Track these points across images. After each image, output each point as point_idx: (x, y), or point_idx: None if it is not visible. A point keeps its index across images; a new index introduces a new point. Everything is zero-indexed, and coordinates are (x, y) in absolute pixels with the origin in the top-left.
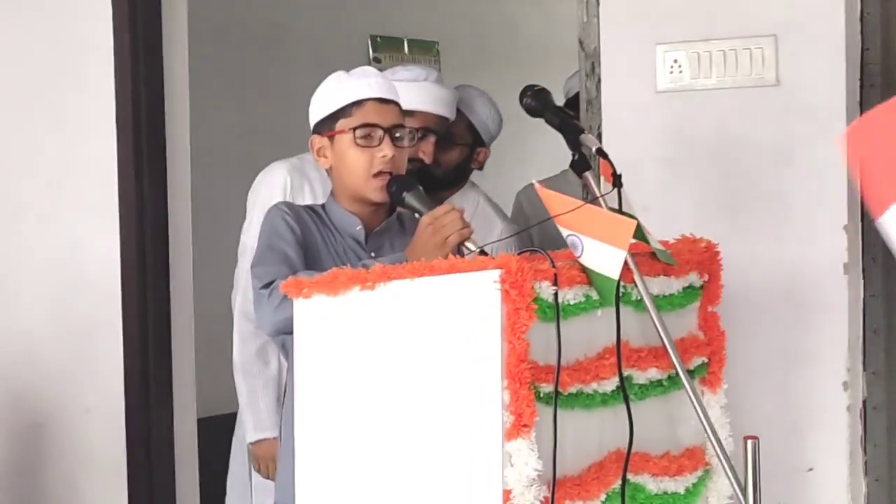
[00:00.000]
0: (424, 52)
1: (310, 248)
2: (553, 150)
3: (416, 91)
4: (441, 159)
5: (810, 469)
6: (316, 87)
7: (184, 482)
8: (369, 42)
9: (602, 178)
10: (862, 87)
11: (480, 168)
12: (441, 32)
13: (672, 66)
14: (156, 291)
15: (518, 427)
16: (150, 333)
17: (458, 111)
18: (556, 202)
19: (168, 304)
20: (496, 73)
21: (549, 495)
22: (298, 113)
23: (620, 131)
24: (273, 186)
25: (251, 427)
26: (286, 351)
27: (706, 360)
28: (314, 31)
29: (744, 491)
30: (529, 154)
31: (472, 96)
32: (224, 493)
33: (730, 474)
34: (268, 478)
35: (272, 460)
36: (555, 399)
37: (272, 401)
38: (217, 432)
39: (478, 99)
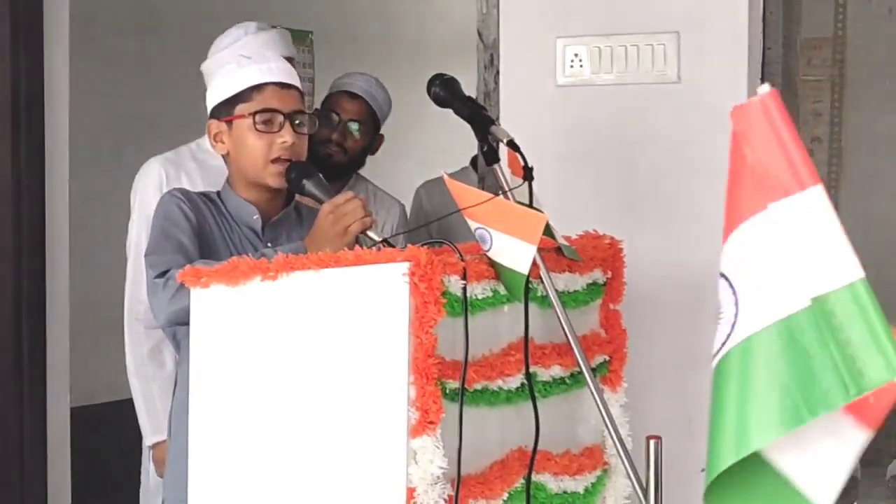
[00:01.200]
0: (298, 41)
1: (205, 236)
2: (432, 144)
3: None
4: (348, 146)
5: (703, 470)
6: (191, 75)
7: (55, 472)
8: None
9: (510, 171)
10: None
11: (374, 153)
12: (315, 22)
13: (573, 61)
14: (31, 280)
15: (424, 424)
16: (25, 322)
17: (361, 98)
18: (465, 195)
19: (44, 294)
20: (370, 64)
21: (453, 493)
22: (172, 101)
23: (519, 125)
24: (147, 184)
25: (149, 430)
26: (177, 343)
27: (607, 359)
28: (189, 19)
29: (645, 491)
30: (406, 148)
31: (370, 83)
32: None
33: (631, 474)
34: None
35: (163, 462)
36: (461, 396)
37: (169, 402)
38: (91, 422)
39: (376, 86)
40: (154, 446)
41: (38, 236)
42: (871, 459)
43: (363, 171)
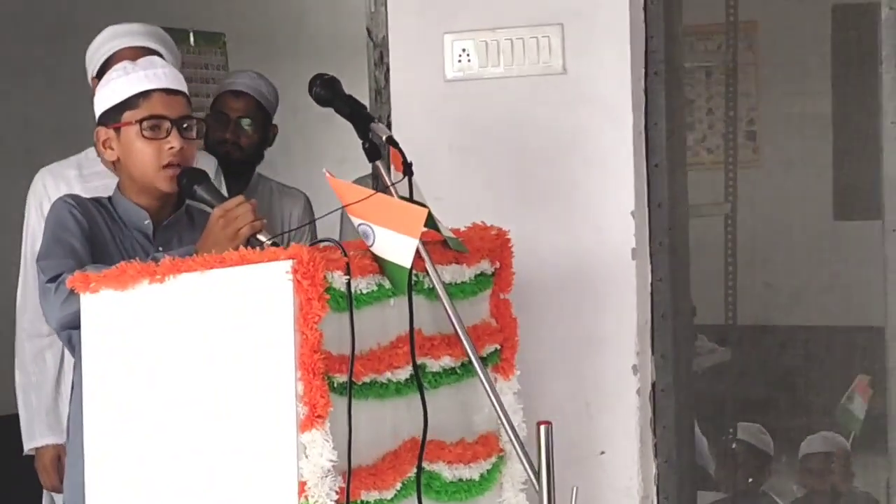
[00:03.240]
0: (211, 44)
1: (97, 241)
2: (344, 143)
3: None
4: (243, 143)
5: (602, 452)
6: None
7: None
8: None
9: (393, 167)
10: (647, 74)
11: (271, 144)
12: (227, 24)
13: (461, 55)
14: None
15: (312, 418)
16: None
17: (246, 94)
18: (347, 191)
19: None
20: (284, 64)
21: (345, 486)
22: (84, 107)
23: (410, 120)
24: (30, 195)
25: (25, 436)
26: (73, 347)
27: (499, 347)
28: (99, 23)
29: (537, 476)
30: (321, 146)
31: (252, 78)
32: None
33: (523, 459)
34: (49, 488)
35: (42, 469)
36: (349, 389)
37: (43, 409)
38: (5, 433)
39: (259, 80)
40: (36, 453)
41: None
42: (784, 437)
43: (269, 168)
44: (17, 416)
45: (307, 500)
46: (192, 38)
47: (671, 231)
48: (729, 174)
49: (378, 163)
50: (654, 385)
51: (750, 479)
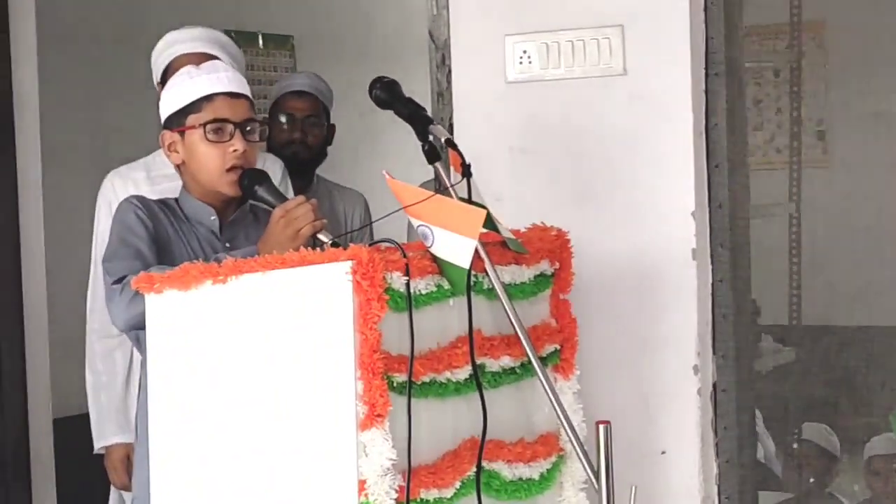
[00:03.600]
0: (279, 46)
1: (162, 241)
2: (412, 145)
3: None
4: (310, 142)
5: (663, 452)
6: None
7: (39, 483)
8: None
9: (452, 169)
10: (707, 75)
11: (331, 143)
12: (296, 27)
13: (521, 57)
14: (7, 292)
15: (372, 417)
16: (2, 333)
17: (309, 94)
18: (406, 193)
19: (21, 305)
20: (352, 66)
21: (404, 484)
22: (152, 110)
23: (472, 122)
24: (100, 198)
25: (96, 436)
26: (141, 346)
27: (558, 347)
28: (167, 27)
29: (597, 475)
30: (387, 149)
31: (312, 79)
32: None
33: (583, 459)
34: (118, 487)
35: (110, 468)
36: (408, 389)
37: (117, 406)
38: (74, 432)
39: (317, 80)
40: (106, 452)
41: (12, 249)
42: (848, 438)
43: (335, 170)
44: (87, 416)
45: (367, 498)
46: (260, 41)
47: (732, 231)
48: (793, 174)
49: (437, 164)
50: (715, 385)
51: (812, 480)
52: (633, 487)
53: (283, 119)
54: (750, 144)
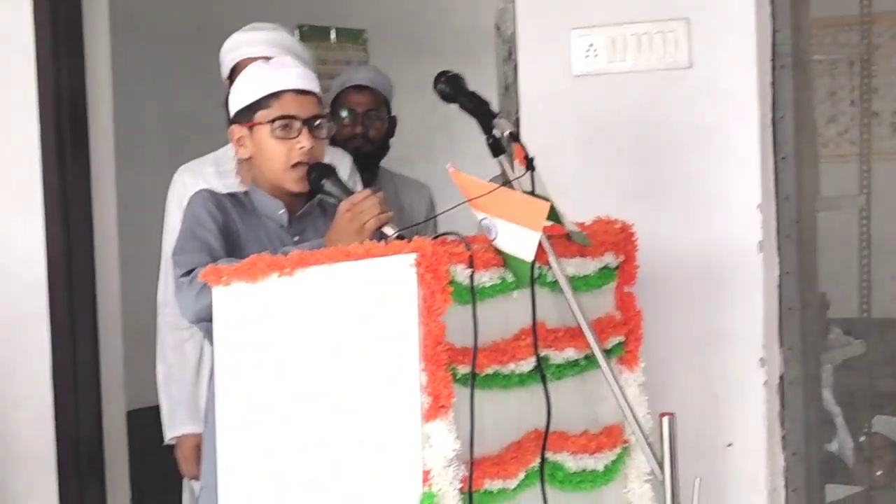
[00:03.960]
0: (352, 40)
1: (231, 235)
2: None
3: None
4: (372, 136)
5: (729, 444)
6: None
7: (113, 474)
8: (296, 31)
9: (516, 162)
10: (774, 68)
11: (393, 135)
12: (369, 21)
13: (588, 51)
14: (82, 283)
15: (436, 408)
16: (77, 326)
17: (370, 88)
18: (471, 186)
19: (94, 296)
20: (425, 60)
21: (468, 474)
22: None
23: (538, 116)
24: (170, 193)
25: (167, 427)
26: (211, 337)
27: (623, 340)
28: (241, 21)
29: (661, 467)
30: (461, 142)
31: (373, 72)
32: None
33: (647, 451)
34: (189, 477)
35: (181, 458)
36: (472, 380)
37: (188, 397)
38: (146, 424)
39: (377, 74)
40: (177, 442)
41: (87, 241)
42: None
43: (409, 164)
44: (159, 408)
45: (431, 488)
46: (333, 35)
47: (798, 224)
48: (863, 166)
49: (502, 158)
50: (781, 378)
51: (881, 473)
52: (697, 479)
53: (344, 114)
54: (823, 136)
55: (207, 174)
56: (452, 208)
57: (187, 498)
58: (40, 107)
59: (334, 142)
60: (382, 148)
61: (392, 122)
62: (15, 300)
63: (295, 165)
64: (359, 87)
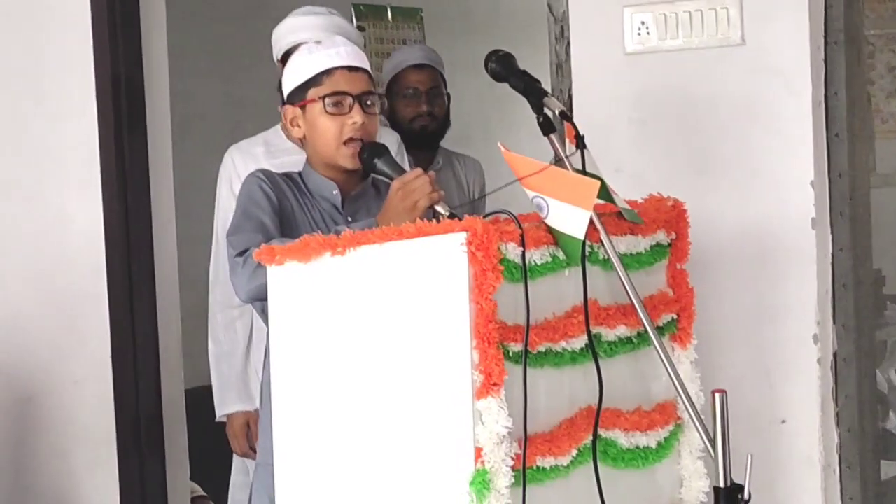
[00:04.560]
0: (408, 19)
1: (286, 214)
2: None
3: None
4: (437, 113)
5: (783, 421)
6: None
7: (173, 452)
8: (352, 10)
9: (567, 141)
10: (826, 44)
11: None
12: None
13: (640, 28)
14: (140, 263)
15: (488, 386)
16: (136, 305)
17: (429, 66)
18: (522, 164)
19: (153, 276)
20: (481, 39)
21: (521, 452)
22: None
23: (590, 94)
24: (221, 173)
25: (218, 404)
26: (266, 316)
27: (675, 317)
28: (297, 1)
29: (713, 443)
30: (517, 120)
31: (427, 51)
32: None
33: (699, 427)
34: (239, 454)
35: (232, 436)
36: (524, 358)
37: (238, 375)
38: (205, 402)
39: (431, 52)
40: (228, 420)
41: (145, 222)
42: None
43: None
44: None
45: (483, 465)
46: (389, 14)
47: (852, 201)
48: None
49: (552, 136)
50: (835, 355)
51: None
52: (749, 456)
53: (407, 94)
54: (883, 112)
55: (257, 154)
56: (504, 186)
57: (236, 473)
58: (98, 89)
59: (399, 121)
60: (445, 125)
61: (448, 100)
62: (75, 281)
63: (347, 142)
64: (418, 66)
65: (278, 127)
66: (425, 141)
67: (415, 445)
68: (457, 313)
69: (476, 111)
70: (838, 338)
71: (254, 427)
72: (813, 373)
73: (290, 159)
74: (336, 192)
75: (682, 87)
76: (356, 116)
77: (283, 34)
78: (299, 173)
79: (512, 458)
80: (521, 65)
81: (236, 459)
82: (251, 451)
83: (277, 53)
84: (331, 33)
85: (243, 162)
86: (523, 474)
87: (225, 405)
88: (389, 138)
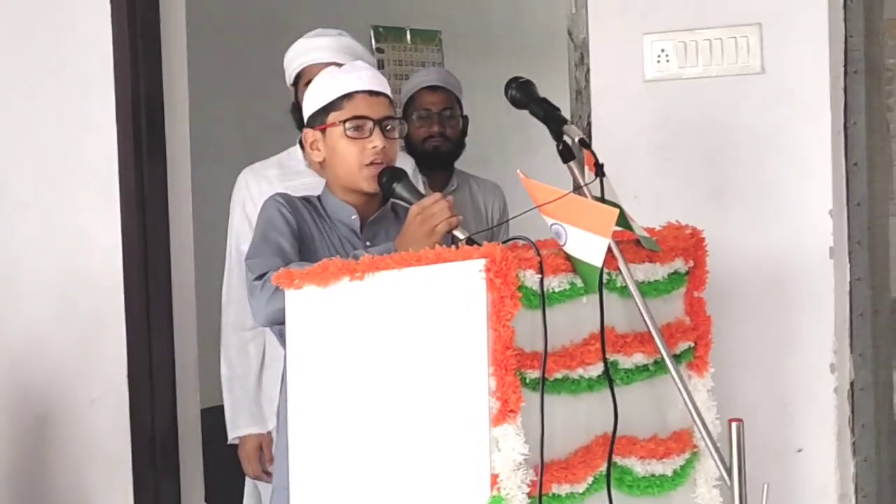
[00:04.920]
0: (427, 41)
1: (305, 238)
2: None
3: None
4: (449, 134)
5: (800, 450)
6: None
7: (188, 471)
8: (371, 32)
9: (586, 168)
10: (846, 73)
11: (466, 135)
12: (444, 21)
13: (659, 56)
14: (158, 282)
15: (504, 412)
16: (153, 324)
17: (443, 88)
18: (540, 192)
19: (170, 295)
20: (500, 61)
21: (537, 479)
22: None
23: (610, 120)
24: (236, 196)
25: (230, 426)
26: (283, 340)
27: (692, 345)
28: (316, 22)
29: (729, 472)
30: (535, 143)
31: (443, 73)
32: (225, 482)
33: (715, 456)
34: (251, 476)
35: (245, 458)
36: (541, 385)
37: (251, 398)
38: (220, 422)
39: (448, 75)
40: (240, 442)
41: (163, 241)
42: None
43: (483, 163)
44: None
45: (499, 492)
46: (408, 36)
47: (870, 230)
48: None
49: (572, 164)
50: (852, 384)
51: None
52: (765, 485)
53: (421, 115)
54: None
55: (271, 177)
56: (521, 214)
57: (248, 496)
58: (118, 109)
59: (412, 143)
60: (458, 147)
61: (465, 122)
62: (92, 299)
63: (368, 164)
64: (432, 88)
65: (292, 149)
66: (438, 162)
67: (431, 471)
68: (474, 340)
69: (494, 133)
70: (855, 367)
71: (266, 450)
72: (829, 402)
73: (303, 182)
74: (355, 216)
75: (701, 114)
76: (376, 141)
77: (294, 56)
78: (318, 197)
79: (528, 486)
80: (541, 87)
81: (248, 482)
82: (264, 474)
83: (289, 76)
84: (343, 54)
85: (257, 184)
86: (539, 501)
87: (237, 428)
88: (404, 162)
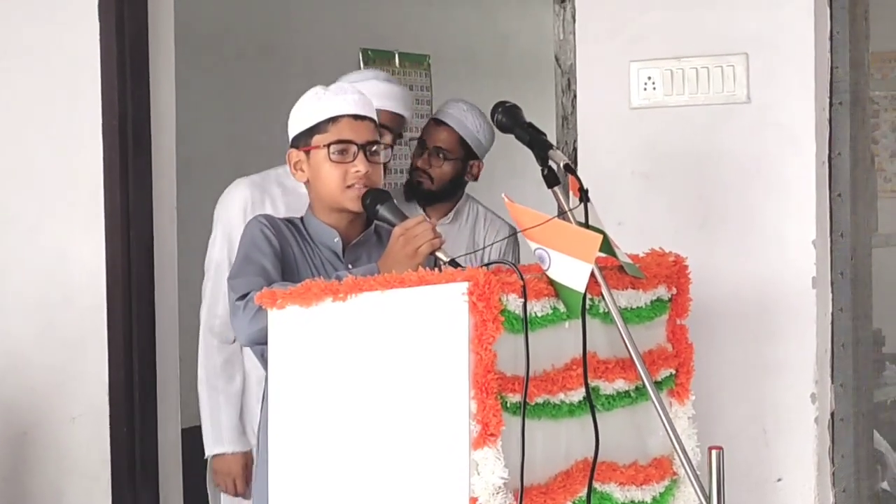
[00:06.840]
0: (415, 65)
1: (287, 260)
2: None
3: (363, 89)
4: (434, 174)
5: (779, 479)
6: None
7: (168, 491)
8: (360, 55)
9: (571, 193)
10: (831, 104)
11: (475, 179)
12: (432, 46)
13: (646, 83)
14: (141, 301)
15: (485, 436)
16: (135, 343)
17: (448, 126)
18: (525, 216)
19: (153, 315)
20: (487, 85)
21: (516, 503)
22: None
23: (595, 146)
24: (231, 205)
25: (210, 441)
26: (265, 361)
27: (674, 372)
28: (305, 44)
29: (708, 500)
30: (521, 167)
31: (461, 110)
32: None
33: (695, 483)
34: (228, 493)
35: (230, 475)
36: (523, 409)
37: (234, 416)
38: (199, 441)
39: (467, 113)
40: (215, 458)
41: (147, 261)
42: None
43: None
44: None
45: None
46: (397, 59)
47: (853, 261)
48: None
49: (556, 189)
50: (832, 414)
51: None
52: None
53: (420, 141)
54: (887, 171)
55: (274, 194)
56: (503, 239)
57: None
58: (104, 128)
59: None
60: (446, 190)
61: (472, 169)
62: (75, 317)
63: (350, 186)
64: (439, 122)
65: (281, 168)
66: (418, 195)
67: (411, 494)
68: (456, 362)
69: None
70: (836, 397)
71: (251, 469)
72: (810, 432)
73: (292, 199)
74: (337, 239)
75: (686, 142)
76: (360, 166)
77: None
78: (301, 219)
79: None
80: (527, 112)
81: (214, 494)
82: (243, 491)
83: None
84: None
85: (260, 199)
86: None
87: (213, 447)
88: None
